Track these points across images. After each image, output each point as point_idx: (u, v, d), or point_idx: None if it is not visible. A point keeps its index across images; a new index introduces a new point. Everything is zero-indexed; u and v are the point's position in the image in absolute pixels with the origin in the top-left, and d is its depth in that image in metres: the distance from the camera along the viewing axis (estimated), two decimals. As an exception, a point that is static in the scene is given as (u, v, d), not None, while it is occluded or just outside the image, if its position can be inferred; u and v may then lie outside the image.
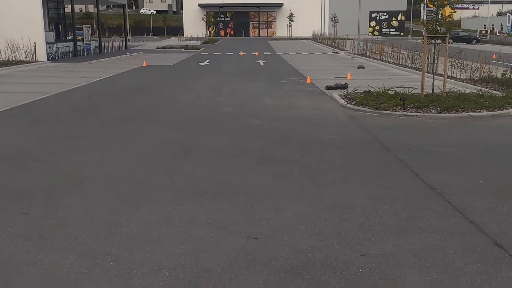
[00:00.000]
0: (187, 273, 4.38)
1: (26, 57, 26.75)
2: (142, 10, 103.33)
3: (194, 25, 76.83)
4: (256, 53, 37.58)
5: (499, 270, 4.43)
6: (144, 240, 5.04)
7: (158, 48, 46.73)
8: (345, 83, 16.85)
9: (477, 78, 17.66)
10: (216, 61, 31.06)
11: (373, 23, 78.70)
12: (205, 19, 75.50)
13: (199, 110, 13.20)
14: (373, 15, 77.66)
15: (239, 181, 7.05)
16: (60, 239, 5.04)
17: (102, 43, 39.21)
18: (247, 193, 6.51)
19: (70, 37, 36.24)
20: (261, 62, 29.90)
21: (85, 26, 35.98)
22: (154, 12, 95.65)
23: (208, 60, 31.66)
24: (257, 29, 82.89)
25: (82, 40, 34.93)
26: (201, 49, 44.35)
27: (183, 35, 72.20)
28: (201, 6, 78.57)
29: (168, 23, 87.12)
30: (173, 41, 62.14)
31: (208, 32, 77.26)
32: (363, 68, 19.04)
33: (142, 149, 8.96)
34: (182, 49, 44.33)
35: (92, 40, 37.90)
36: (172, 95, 15.95)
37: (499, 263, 4.57)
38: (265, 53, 39.08)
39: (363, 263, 4.57)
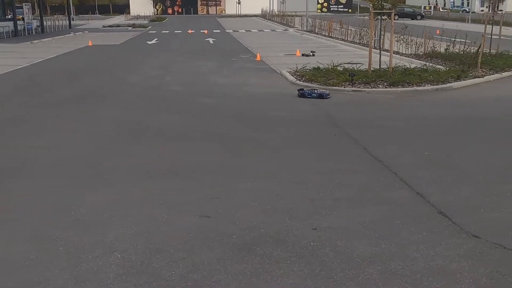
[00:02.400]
0: (139, 254, 4.34)
1: (-39, 38, 25.45)
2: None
3: (140, 3, 75.06)
4: (205, 31, 37.12)
5: (443, 238, 4.62)
6: (94, 223, 4.95)
7: (104, 27, 45.44)
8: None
9: (421, 53, 18.10)
10: (164, 40, 30.50)
11: (321, 0, 79.09)
12: (152, -3, 73.88)
13: (149, 90, 12.97)
14: (321, -9, 78.08)
15: (191, 160, 7.00)
16: (8, 224, 4.89)
17: (44, 22, 37.74)
18: (199, 172, 6.48)
19: (9, 16, 34.63)
20: (211, 40, 29.59)
21: (25, 5, 34.45)
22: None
23: (156, 39, 31.04)
24: (205, 7, 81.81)
25: (23, 19, 33.48)
26: (148, 28, 43.42)
27: (129, 13, 70.48)
28: (148, -17, 76.81)
29: (114, 1, 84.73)
30: (119, 19, 60.49)
31: (155, 10, 75.67)
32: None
33: (91, 130, 8.75)
34: (129, 28, 43.26)
35: (33, 19, 36.41)
36: (120, 75, 15.59)
37: (443, 231, 4.76)
38: (214, 31, 38.65)
39: (315, 236, 4.66)
